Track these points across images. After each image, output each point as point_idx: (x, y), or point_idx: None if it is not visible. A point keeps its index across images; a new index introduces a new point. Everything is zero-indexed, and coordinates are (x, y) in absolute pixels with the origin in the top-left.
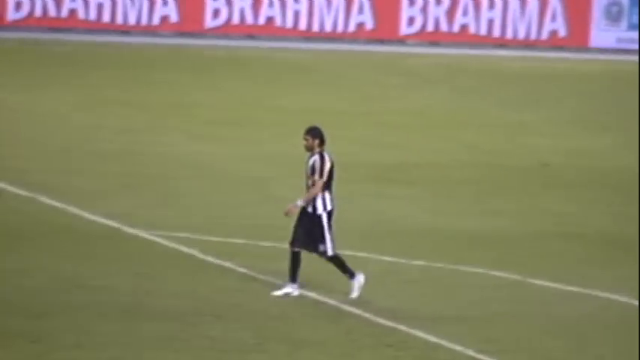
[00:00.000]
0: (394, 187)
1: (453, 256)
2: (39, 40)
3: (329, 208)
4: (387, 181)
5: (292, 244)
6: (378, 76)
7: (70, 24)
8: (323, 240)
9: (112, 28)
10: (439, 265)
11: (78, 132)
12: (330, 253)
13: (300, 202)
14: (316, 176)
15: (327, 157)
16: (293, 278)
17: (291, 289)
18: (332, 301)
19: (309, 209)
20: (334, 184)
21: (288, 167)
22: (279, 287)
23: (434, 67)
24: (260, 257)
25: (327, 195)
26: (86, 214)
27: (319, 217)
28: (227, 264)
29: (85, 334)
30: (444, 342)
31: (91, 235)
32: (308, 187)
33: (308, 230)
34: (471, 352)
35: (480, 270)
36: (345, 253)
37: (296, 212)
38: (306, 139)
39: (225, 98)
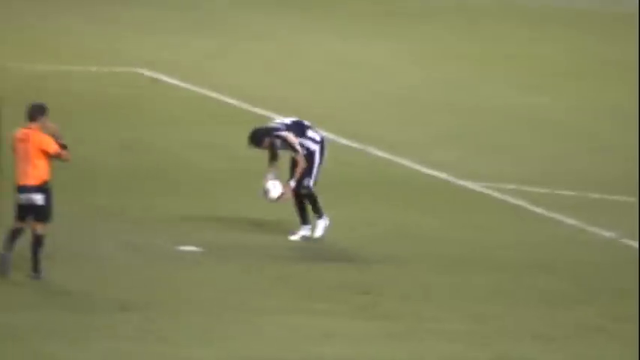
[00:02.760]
0: None
1: None
2: None
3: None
4: None
5: None
6: None
7: None
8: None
9: None
10: None
11: (408, 84)
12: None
13: None
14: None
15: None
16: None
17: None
18: None
19: None
20: None
21: (619, 120)
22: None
23: None
24: (589, 209)
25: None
26: (416, 166)
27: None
28: (556, 216)
29: (414, 286)
30: None
31: (421, 187)
32: None
33: None
34: None
35: None
36: None
37: None
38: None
39: (565, 50)
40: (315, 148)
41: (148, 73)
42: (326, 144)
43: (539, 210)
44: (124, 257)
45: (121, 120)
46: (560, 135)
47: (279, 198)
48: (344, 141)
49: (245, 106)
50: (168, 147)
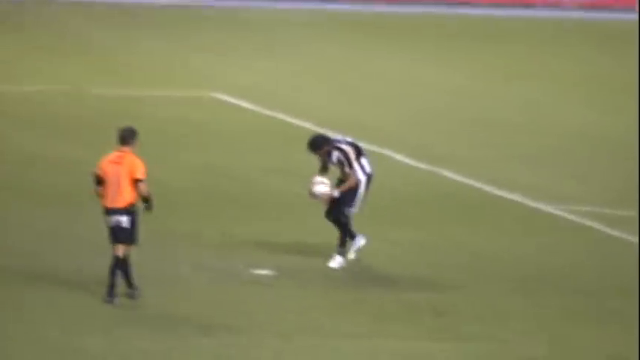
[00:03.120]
0: None
1: None
2: (438, 14)
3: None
4: None
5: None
6: None
7: None
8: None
9: (515, 3)
10: None
11: (482, 105)
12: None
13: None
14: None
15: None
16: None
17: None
18: None
19: None
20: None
21: None
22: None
23: None
24: None
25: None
26: (488, 188)
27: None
28: (632, 238)
29: (488, 308)
30: None
31: (494, 208)
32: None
33: None
34: None
35: None
36: None
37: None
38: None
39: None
40: (363, 178)
41: (228, 97)
42: (373, 179)
43: (615, 233)
44: (200, 280)
45: (198, 144)
46: (631, 155)
47: (321, 195)
48: (415, 162)
49: (321, 130)
50: (244, 171)
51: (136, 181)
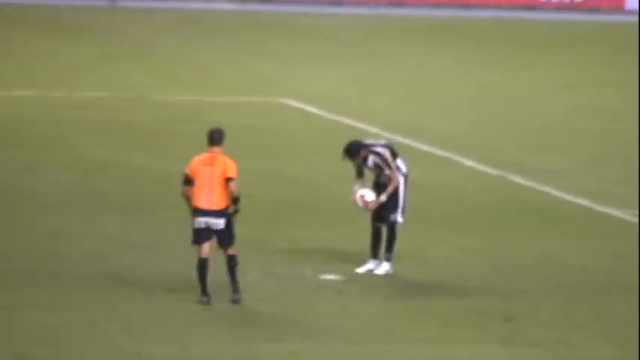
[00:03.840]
0: None
1: None
2: (506, 19)
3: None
4: None
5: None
6: None
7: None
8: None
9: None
10: None
11: (550, 111)
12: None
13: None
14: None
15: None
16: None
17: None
18: None
19: None
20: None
21: None
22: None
23: None
24: None
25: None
26: (557, 193)
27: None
28: None
29: (558, 313)
30: None
31: (561, 214)
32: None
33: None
34: None
35: None
36: None
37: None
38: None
39: None
40: (401, 179)
41: (293, 103)
42: (410, 178)
43: None
44: (268, 286)
45: (264, 150)
46: None
47: (370, 203)
48: (485, 168)
49: (387, 135)
50: (311, 177)
51: (227, 180)
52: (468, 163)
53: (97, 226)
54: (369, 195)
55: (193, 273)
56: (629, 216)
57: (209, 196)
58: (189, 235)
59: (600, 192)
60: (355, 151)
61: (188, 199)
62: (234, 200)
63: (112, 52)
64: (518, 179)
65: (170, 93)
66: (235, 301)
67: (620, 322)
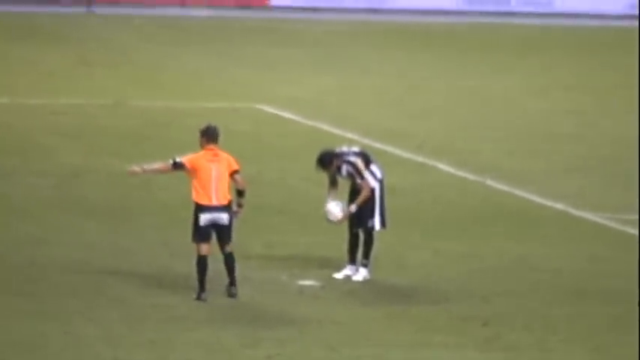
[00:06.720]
0: None
1: None
2: (483, 24)
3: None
4: None
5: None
6: None
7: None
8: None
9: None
10: None
11: (526, 115)
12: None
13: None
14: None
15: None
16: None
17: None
18: None
19: None
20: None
21: None
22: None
23: None
24: None
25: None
26: (533, 197)
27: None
28: None
29: (535, 318)
30: None
31: (538, 217)
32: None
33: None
34: None
35: None
36: None
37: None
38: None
39: None
40: (375, 185)
41: (269, 109)
42: (385, 183)
43: None
44: (245, 292)
45: (243, 155)
46: None
47: (340, 220)
48: (462, 172)
49: (366, 141)
50: (289, 182)
51: (233, 174)
52: (445, 168)
53: (74, 233)
54: (333, 212)
55: (171, 279)
56: (604, 220)
57: (216, 192)
58: (167, 241)
59: (576, 196)
60: (328, 161)
61: (156, 171)
62: (240, 193)
63: (89, 59)
64: (495, 184)
65: (147, 99)
66: (232, 295)
67: (596, 326)
